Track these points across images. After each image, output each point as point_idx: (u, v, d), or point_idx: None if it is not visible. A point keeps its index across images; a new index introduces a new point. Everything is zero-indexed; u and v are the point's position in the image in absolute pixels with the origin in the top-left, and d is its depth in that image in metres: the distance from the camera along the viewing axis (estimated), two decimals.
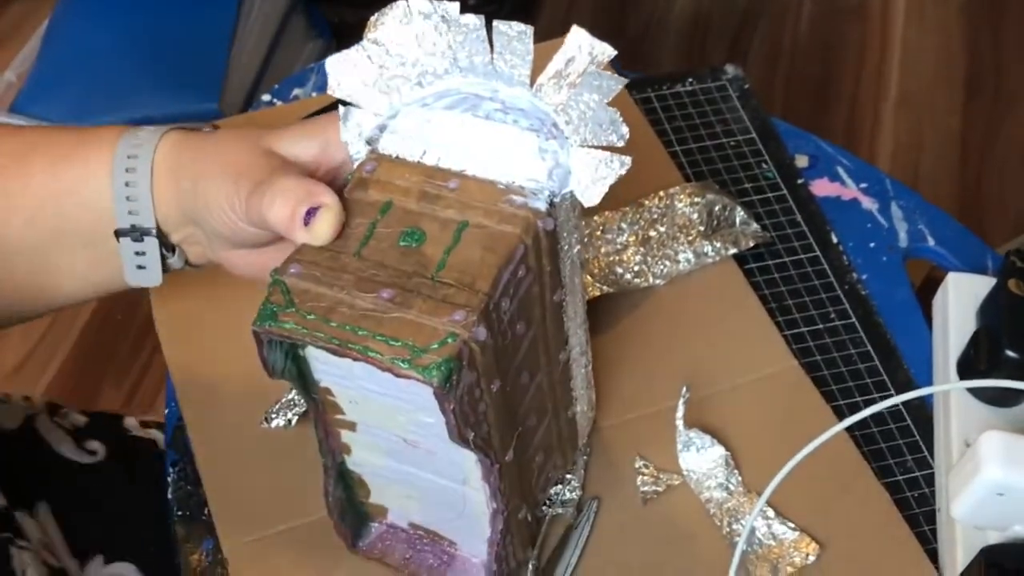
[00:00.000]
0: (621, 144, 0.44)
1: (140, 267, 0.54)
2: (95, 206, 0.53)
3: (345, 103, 0.49)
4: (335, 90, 0.48)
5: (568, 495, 0.60)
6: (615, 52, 0.46)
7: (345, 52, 0.47)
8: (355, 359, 0.42)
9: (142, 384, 1.53)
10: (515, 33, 0.45)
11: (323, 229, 0.45)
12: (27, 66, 1.57)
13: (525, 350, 0.48)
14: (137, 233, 0.53)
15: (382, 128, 0.48)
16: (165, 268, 0.55)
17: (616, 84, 0.45)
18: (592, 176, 0.45)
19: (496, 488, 0.49)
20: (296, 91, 0.85)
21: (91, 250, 0.55)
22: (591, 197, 0.45)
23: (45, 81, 1.51)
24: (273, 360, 0.46)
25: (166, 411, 0.68)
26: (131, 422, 0.79)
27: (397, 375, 0.42)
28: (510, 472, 0.50)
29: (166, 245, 0.54)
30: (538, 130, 0.45)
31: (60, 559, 0.65)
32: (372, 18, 0.47)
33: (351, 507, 0.57)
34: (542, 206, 0.44)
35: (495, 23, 0.45)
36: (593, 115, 0.45)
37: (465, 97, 0.47)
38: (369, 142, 0.48)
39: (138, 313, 1.59)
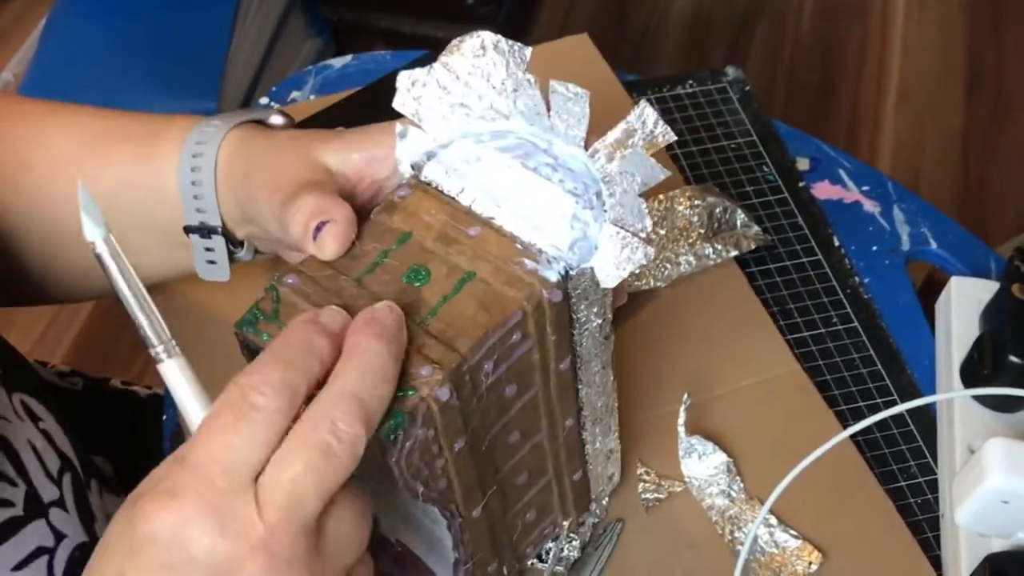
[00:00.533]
0: (643, 236, 0.44)
1: (210, 262, 0.55)
2: (167, 199, 0.54)
3: (404, 118, 0.48)
4: (400, 106, 0.47)
5: (567, 553, 0.58)
6: (676, 137, 0.45)
7: (417, 70, 0.47)
8: None
9: (143, 382, 1.53)
10: (571, 95, 0.44)
11: (327, 243, 0.45)
12: (24, 65, 1.57)
13: (516, 412, 0.47)
14: (205, 230, 0.53)
15: (430, 155, 0.47)
16: (233, 261, 0.55)
17: (660, 175, 0.44)
18: (616, 258, 0.43)
19: (458, 539, 0.48)
20: (294, 94, 0.85)
21: (165, 236, 0.55)
22: (610, 279, 0.44)
23: (42, 80, 1.50)
24: None
25: (164, 417, 0.68)
26: (115, 382, 0.83)
27: None
28: (477, 527, 0.49)
29: (233, 241, 0.54)
30: (579, 196, 0.44)
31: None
32: (453, 41, 0.46)
33: None
34: (553, 276, 0.43)
35: (552, 83, 0.44)
36: (630, 198, 0.44)
37: (521, 143, 0.46)
38: (414, 167, 0.47)
39: None
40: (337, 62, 0.87)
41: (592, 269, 0.44)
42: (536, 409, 0.48)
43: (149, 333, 0.38)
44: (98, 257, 0.37)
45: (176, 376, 0.39)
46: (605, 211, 0.44)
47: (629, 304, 0.69)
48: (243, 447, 0.36)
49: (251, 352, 0.44)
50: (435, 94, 0.47)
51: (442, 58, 0.46)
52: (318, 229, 0.45)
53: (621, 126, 0.45)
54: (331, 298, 0.43)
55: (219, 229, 0.53)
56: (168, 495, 0.36)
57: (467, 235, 0.44)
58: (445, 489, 0.45)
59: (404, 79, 0.47)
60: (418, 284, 0.43)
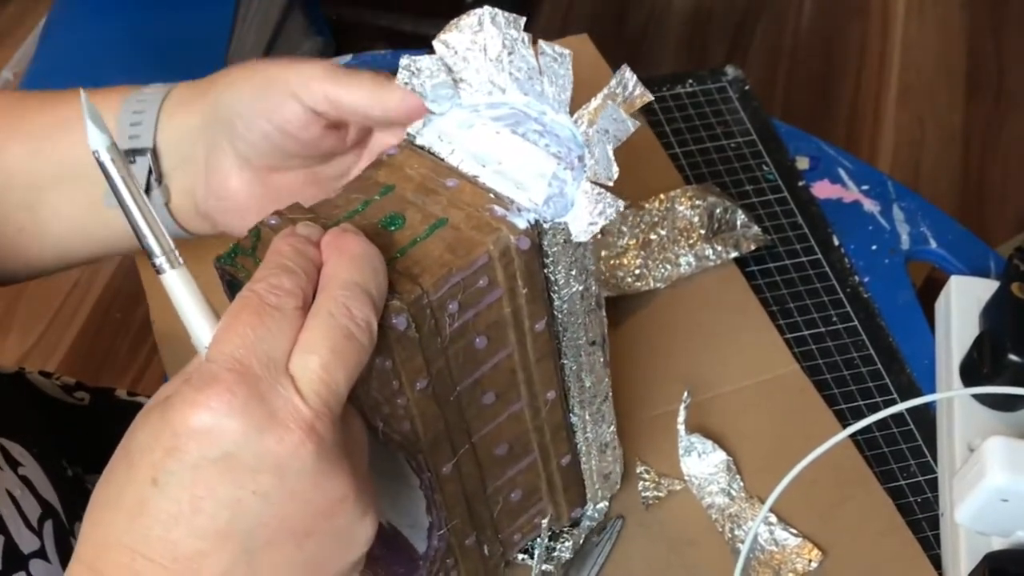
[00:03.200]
0: (610, 184, 0.45)
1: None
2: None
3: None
4: (402, 84, 0.49)
5: (559, 552, 0.58)
6: (652, 97, 0.47)
7: (417, 54, 0.49)
8: None
9: (140, 384, 1.53)
10: (556, 55, 0.45)
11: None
12: (24, 64, 1.57)
13: (489, 369, 0.47)
14: (131, 155, 0.53)
15: (427, 121, 0.49)
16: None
17: (631, 127, 0.46)
18: (591, 212, 0.45)
19: (430, 499, 0.48)
20: None
21: (82, 186, 0.55)
22: (583, 233, 0.45)
23: (42, 79, 1.50)
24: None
25: None
26: (120, 392, 0.82)
27: None
28: (450, 488, 0.49)
29: (155, 174, 0.54)
30: (562, 158, 0.45)
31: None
32: (451, 21, 0.48)
33: None
34: (521, 224, 0.44)
35: (540, 43, 0.45)
36: (603, 153, 0.45)
37: (514, 113, 0.47)
38: (409, 133, 0.49)
39: (137, 313, 1.59)
40: (337, 61, 0.87)
41: (566, 224, 0.45)
42: (513, 372, 0.48)
43: (152, 243, 0.38)
44: (101, 165, 0.37)
45: (179, 286, 0.38)
46: (585, 172, 0.45)
47: (629, 304, 0.70)
48: (273, 338, 0.37)
49: (230, 285, 0.46)
50: (434, 68, 0.48)
51: (441, 36, 0.48)
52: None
53: (603, 92, 0.46)
54: None
55: (147, 150, 0.53)
56: (204, 387, 0.35)
57: (445, 186, 0.46)
58: (408, 432, 0.45)
59: (405, 60, 0.49)
60: (392, 229, 0.45)
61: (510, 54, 0.47)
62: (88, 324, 1.60)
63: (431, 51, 0.49)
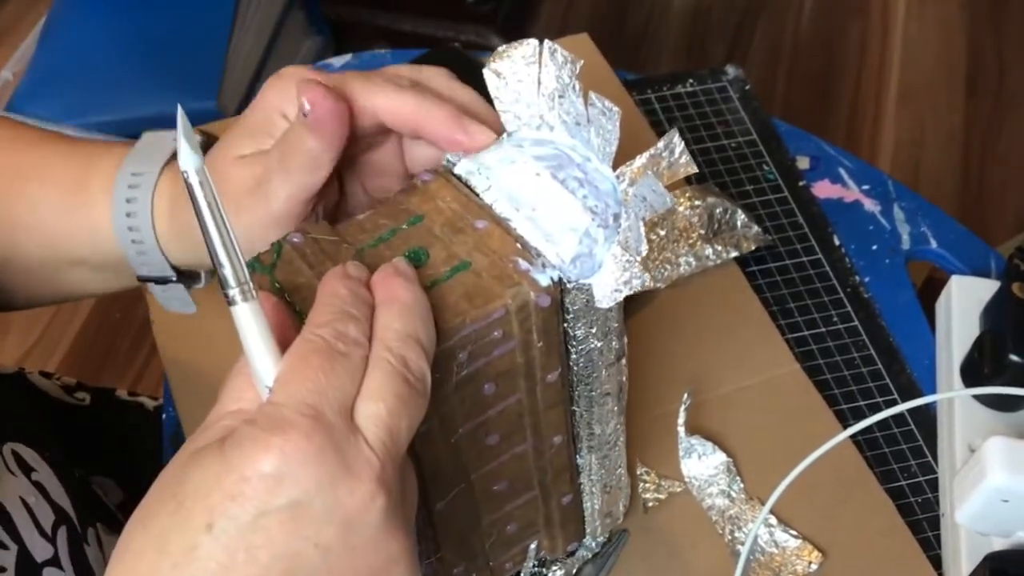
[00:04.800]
0: (638, 259, 0.44)
1: (172, 299, 0.54)
2: (109, 250, 0.52)
3: None
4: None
5: None
6: (696, 170, 0.46)
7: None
8: None
9: (140, 384, 1.53)
10: (604, 109, 0.44)
11: (485, 139, 0.46)
12: (24, 64, 1.57)
13: (496, 413, 0.47)
14: (161, 280, 0.53)
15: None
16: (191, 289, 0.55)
17: (668, 202, 0.44)
18: (617, 279, 0.43)
19: (421, 531, 0.48)
20: None
21: (111, 273, 0.54)
22: (606, 300, 0.44)
23: (42, 79, 1.50)
24: None
25: (164, 416, 0.68)
26: (121, 392, 0.82)
27: None
28: (444, 524, 0.49)
29: (192, 276, 0.54)
30: (598, 214, 0.44)
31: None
32: (500, 48, 0.46)
33: None
34: (544, 281, 0.43)
35: (591, 95, 0.44)
36: (637, 222, 0.44)
37: (558, 155, 0.45)
38: (448, 159, 0.47)
39: (136, 313, 1.59)
40: (337, 61, 0.87)
41: (591, 286, 0.44)
42: (520, 416, 0.48)
43: (228, 273, 0.36)
44: (189, 187, 0.35)
45: (249, 320, 0.37)
46: (618, 233, 0.44)
47: (629, 304, 0.69)
48: (344, 386, 0.35)
49: None
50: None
51: (492, 64, 0.46)
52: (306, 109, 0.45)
53: (649, 152, 0.44)
54: (327, 262, 0.43)
55: (173, 278, 0.52)
56: (277, 430, 0.33)
57: (474, 227, 0.44)
58: None
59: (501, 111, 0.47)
60: (415, 264, 0.43)
61: (560, 97, 0.45)
62: (88, 324, 1.60)
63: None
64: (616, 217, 0.44)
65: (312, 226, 0.45)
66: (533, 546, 0.56)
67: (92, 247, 0.53)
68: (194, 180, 0.35)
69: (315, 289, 0.41)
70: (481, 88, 0.48)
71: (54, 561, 0.54)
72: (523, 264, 0.43)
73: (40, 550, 0.53)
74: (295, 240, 0.44)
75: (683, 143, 0.45)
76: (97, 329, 1.59)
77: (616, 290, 0.43)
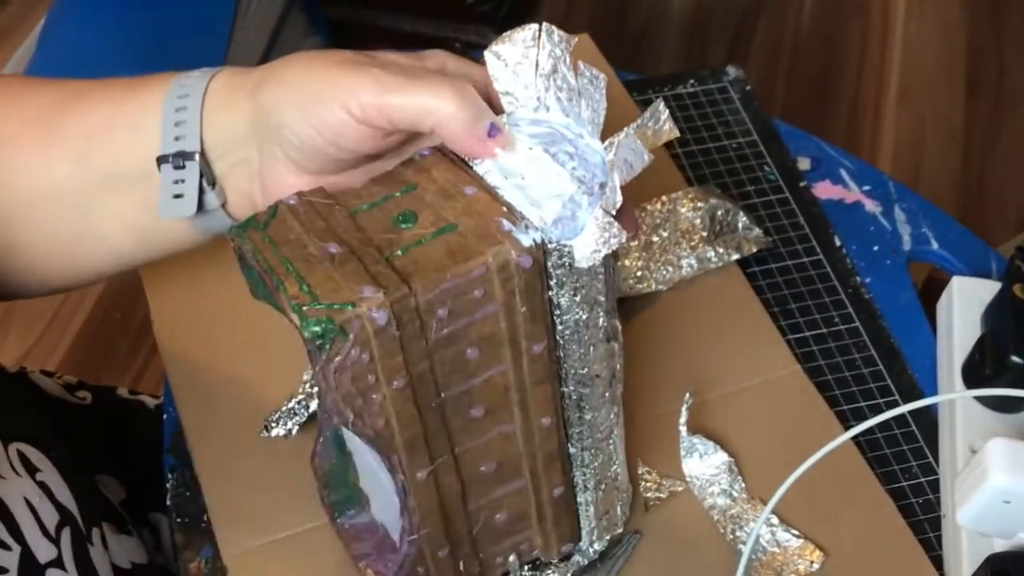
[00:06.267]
0: (613, 211, 0.45)
1: (177, 196, 0.52)
2: (146, 139, 0.52)
3: None
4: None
5: None
6: (678, 134, 0.48)
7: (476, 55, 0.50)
8: (270, 287, 0.44)
9: (140, 383, 1.53)
10: (591, 77, 0.46)
11: (499, 146, 0.47)
12: (24, 64, 1.57)
13: (481, 382, 0.47)
14: (180, 159, 0.51)
15: None
16: (201, 205, 0.53)
17: (646, 158, 0.46)
18: (596, 240, 0.44)
19: (403, 502, 0.48)
20: None
21: (136, 190, 0.53)
22: (585, 259, 0.45)
23: None
24: (248, 278, 0.47)
25: (164, 416, 0.68)
26: (122, 391, 0.82)
27: (287, 317, 0.43)
28: (424, 495, 0.49)
29: (208, 177, 0.52)
30: (585, 182, 0.45)
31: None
32: (505, 32, 0.48)
33: (340, 480, 0.55)
34: (526, 241, 0.44)
35: (579, 64, 0.46)
36: (615, 186, 0.45)
37: (552, 132, 0.47)
38: None
39: (136, 313, 1.59)
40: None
41: (571, 248, 0.45)
42: (506, 390, 0.48)
43: None
44: None
45: None
46: (601, 199, 0.45)
47: (631, 306, 0.69)
48: None
49: (239, 258, 0.46)
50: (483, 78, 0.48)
51: (493, 47, 0.48)
52: (491, 134, 0.46)
53: (635, 124, 0.46)
54: (318, 222, 0.45)
55: (196, 154, 0.51)
56: None
57: (463, 193, 0.46)
58: (383, 429, 0.45)
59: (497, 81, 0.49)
60: (404, 226, 0.45)
61: (554, 72, 0.47)
62: (88, 323, 1.60)
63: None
64: (602, 186, 0.45)
65: (310, 191, 0.47)
66: (538, 549, 0.56)
67: (124, 136, 0.53)
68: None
69: (303, 243, 0.44)
70: None
71: (57, 562, 0.54)
72: (507, 225, 0.44)
73: (43, 551, 0.53)
74: (291, 202, 0.46)
75: (667, 111, 0.47)
76: (97, 328, 1.59)
77: (595, 250, 0.44)
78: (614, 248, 0.45)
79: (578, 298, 0.47)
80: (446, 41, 1.86)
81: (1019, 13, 2.02)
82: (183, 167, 0.52)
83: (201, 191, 0.52)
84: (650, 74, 0.86)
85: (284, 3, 1.70)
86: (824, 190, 0.79)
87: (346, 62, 0.48)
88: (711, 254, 0.71)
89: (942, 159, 1.80)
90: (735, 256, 0.71)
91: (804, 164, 0.80)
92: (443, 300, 0.43)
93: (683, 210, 0.71)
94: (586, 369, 0.49)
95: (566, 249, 0.45)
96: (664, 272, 0.70)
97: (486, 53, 0.48)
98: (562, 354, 0.49)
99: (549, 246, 0.45)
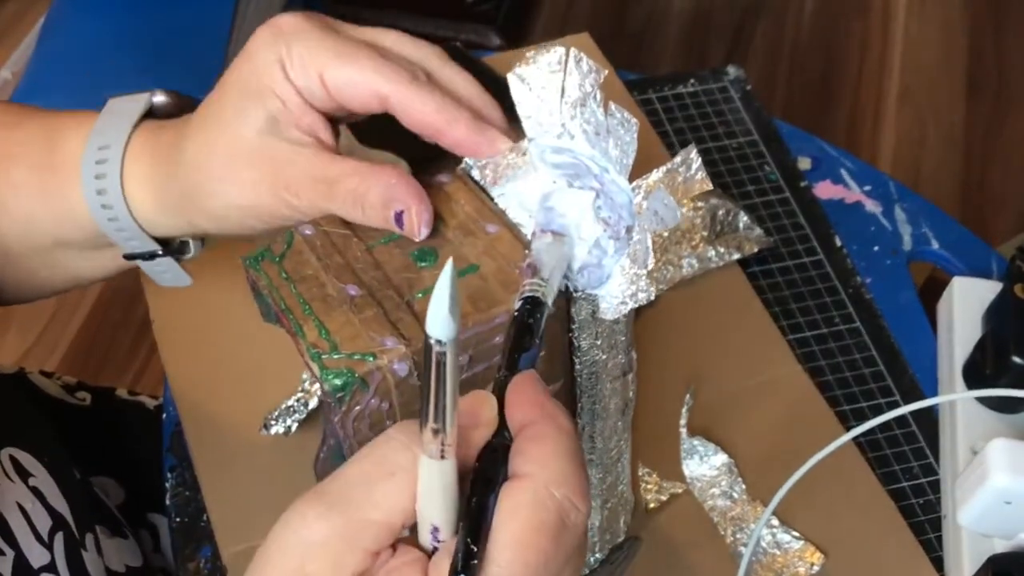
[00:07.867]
0: (643, 272, 0.43)
1: (164, 272, 0.53)
2: (91, 230, 0.50)
3: None
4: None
5: None
6: (711, 186, 0.45)
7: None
8: (287, 328, 0.42)
9: (140, 384, 1.53)
10: (622, 120, 0.43)
11: (417, 231, 0.44)
12: (23, 63, 1.56)
13: None
14: (146, 254, 0.51)
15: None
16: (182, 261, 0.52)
17: (678, 217, 0.44)
18: (623, 292, 0.43)
19: None
20: None
21: (98, 252, 0.53)
22: (610, 312, 0.43)
23: (41, 78, 1.50)
24: (260, 303, 0.46)
25: (164, 416, 0.68)
26: (121, 392, 0.81)
27: (306, 363, 0.41)
28: None
29: (181, 248, 0.52)
30: (611, 224, 0.43)
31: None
32: (528, 53, 0.46)
33: None
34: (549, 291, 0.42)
35: (610, 105, 0.43)
36: (647, 236, 0.43)
37: (576, 164, 0.45)
38: (467, 162, 0.47)
39: (136, 313, 1.59)
40: None
41: (597, 297, 0.43)
42: None
43: (428, 432, 0.32)
44: (435, 356, 0.31)
45: (436, 479, 0.33)
46: (628, 246, 0.43)
47: None
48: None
49: (253, 288, 0.45)
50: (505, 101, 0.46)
51: (517, 70, 0.45)
52: (398, 219, 0.44)
53: (665, 167, 0.44)
54: (335, 256, 0.44)
55: (159, 252, 0.50)
56: None
57: (485, 231, 0.45)
58: None
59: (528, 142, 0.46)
60: (423, 265, 0.44)
61: (582, 106, 0.45)
62: (87, 323, 1.60)
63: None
64: (629, 230, 0.43)
65: (325, 219, 0.45)
66: None
67: (73, 228, 0.51)
68: (450, 353, 0.31)
69: (321, 281, 0.42)
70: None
71: (50, 567, 0.54)
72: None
73: (36, 556, 0.53)
74: (306, 232, 0.45)
75: (700, 159, 0.44)
76: (97, 329, 1.59)
77: (622, 303, 0.43)
78: (641, 304, 0.43)
79: (599, 341, 0.46)
80: (446, 41, 1.86)
81: (1019, 13, 2.02)
82: (153, 259, 0.51)
83: (182, 253, 0.52)
84: (650, 73, 0.86)
85: (284, 3, 1.70)
86: (824, 190, 0.79)
87: (265, 176, 0.45)
88: (712, 254, 0.70)
89: (942, 159, 1.80)
90: (736, 256, 0.71)
91: (804, 164, 0.80)
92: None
93: (684, 210, 0.71)
94: (600, 404, 0.49)
95: (591, 297, 0.43)
96: (665, 272, 0.70)
97: (509, 76, 0.45)
98: (579, 392, 0.48)
99: (574, 295, 0.43)
